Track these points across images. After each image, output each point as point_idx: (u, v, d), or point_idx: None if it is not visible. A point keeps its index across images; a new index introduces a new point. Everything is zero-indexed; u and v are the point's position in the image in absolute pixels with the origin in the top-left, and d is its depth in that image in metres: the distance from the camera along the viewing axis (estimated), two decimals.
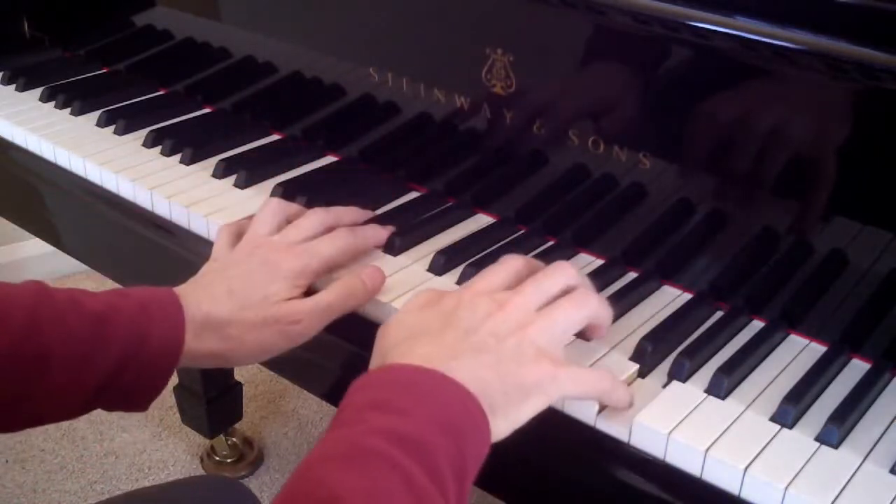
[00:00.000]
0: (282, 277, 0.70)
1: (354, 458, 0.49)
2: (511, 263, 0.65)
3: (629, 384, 0.65)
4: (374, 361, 0.60)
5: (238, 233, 0.77)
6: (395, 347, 0.58)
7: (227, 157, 0.94)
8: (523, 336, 0.58)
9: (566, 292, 0.63)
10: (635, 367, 0.66)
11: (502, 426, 0.56)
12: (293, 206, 0.79)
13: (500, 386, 0.56)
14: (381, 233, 0.80)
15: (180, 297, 0.68)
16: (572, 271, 0.64)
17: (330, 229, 0.76)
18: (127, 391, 0.66)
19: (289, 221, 0.77)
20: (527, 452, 0.67)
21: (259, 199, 0.86)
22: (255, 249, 0.73)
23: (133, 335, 0.64)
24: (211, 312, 0.68)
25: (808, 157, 0.67)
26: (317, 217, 0.76)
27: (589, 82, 0.77)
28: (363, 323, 0.74)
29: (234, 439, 1.57)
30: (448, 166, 0.89)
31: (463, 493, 0.51)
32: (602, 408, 0.63)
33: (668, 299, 0.75)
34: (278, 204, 0.78)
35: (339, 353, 0.75)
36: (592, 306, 0.63)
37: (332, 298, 0.70)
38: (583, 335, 0.68)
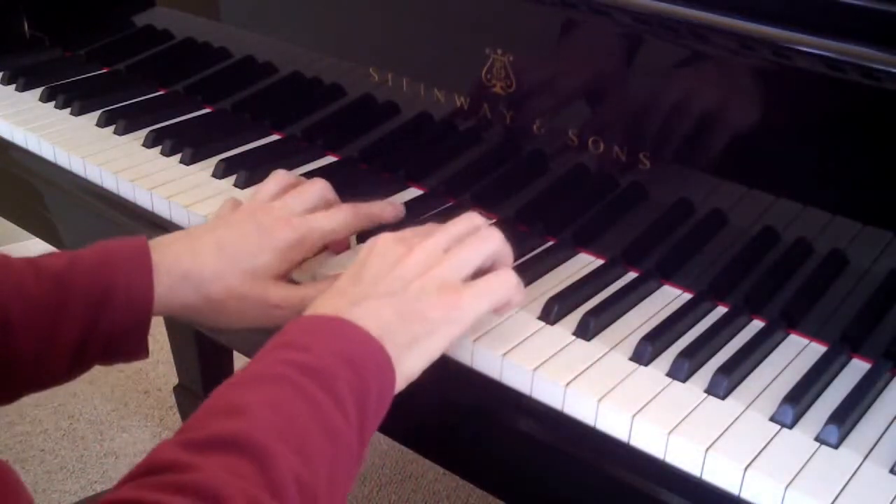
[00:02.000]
0: (273, 247, 0.70)
1: (258, 380, 0.54)
2: (429, 224, 0.68)
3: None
4: None
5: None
6: (311, 305, 0.62)
7: (227, 157, 0.94)
8: (428, 276, 0.62)
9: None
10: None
11: (414, 363, 0.60)
12: (299, 178, 0.79)
13: (403, 325, 0.59)
14: (387, 210, 0.79)
15: (154, 248, 0.67)
16: (479, 218, 0.68)
17: (331, 203, 0.76)
18: (109, 343, 0.66)
19: None
20: (525, 452, 0.67)
21: None
22: (253, 213, 0.72)
23: (96, 287, 0.64)
24: (192, 268, 0.68)
25: (807, 157, 0.67)
26: (320, 186, 0.76)
27: (589, 82, 0.77)
28: None
29: None
30: (448, 166, 0.89)
31: (365, 423, 0.56)
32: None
33: (668, 299, 0.75)
34: (284, 174, 0.78)
35: None
36: (496, 242, 0.66)
37: (314, 294, 0.70)
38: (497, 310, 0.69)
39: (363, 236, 0.80)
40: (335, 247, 0.77)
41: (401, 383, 0.60)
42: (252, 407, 0.51)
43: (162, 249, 0.68)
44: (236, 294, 0.69)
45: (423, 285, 0.61)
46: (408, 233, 0.67)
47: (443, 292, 0.62)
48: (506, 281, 0.65)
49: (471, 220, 0.68)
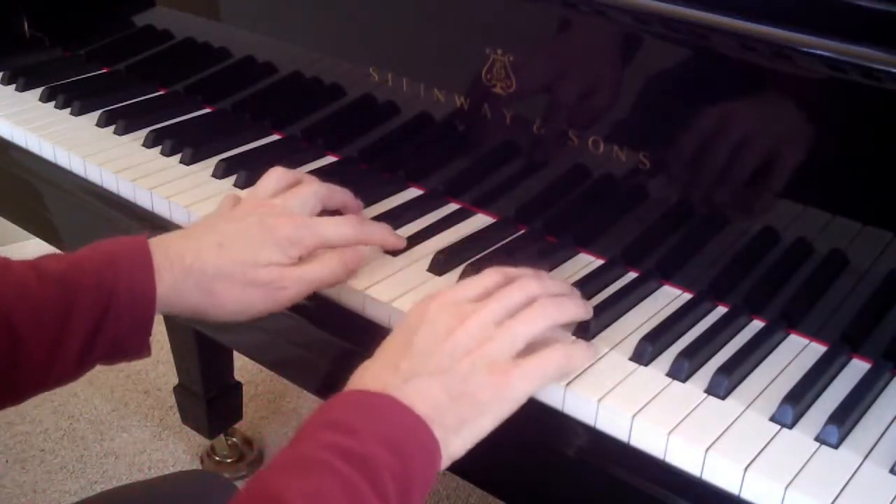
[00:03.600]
0: (274, 242, 0.69)
1: (300, 467, 0.53)
2: (487, 277, 0.66)
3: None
4: (345, 388, 0.61)
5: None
6: (355, 374, 0.61)
7: (227, 157, 0.94)
8: (479, 354, 0.60)
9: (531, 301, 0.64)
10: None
11: (460, 443, 0.59)
12: (298, 174, 0.79)
13: (452, 406, 0.58)
14: (390, 240, 0.78)
15: (156, 247, 0.67)
16: (535, 284, 0.65)
17: (330, 210, 0.77)
18: (113, 344, 0.66)
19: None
20: (526, 452, 0.67)
21: None
22: (254, 209, 0.72)
23: (100, 290, 0.64)
24: (194, 265, 0.67)
25: (807, 157, 0.67)
26: (315, 187, 0.76)
27: (589, 82, 0.76)
28: (362, 322, 0.74)
29: (234, 439, 1.57)
30: (448, 166, 0.89)
31: None
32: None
33: (668, 299, 0.75)
34: (282, 171, 0.77)
35: (339, 352, 0.75)
36: (552, 316, 0.64)
37: (318, 273, 0.71)
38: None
39: None
40: (388, 246, 0.78)
41: (446, 462, 0.58)
42: (292, 497, 0.51)
43: (163, 248, 0.68)
44: (240, 285, 0.68)
45: (474, 363, 0.59)
46: (463, 292, 0.64)
47: (493, 372, 0.59)
48: (557, 358, 0.62)
49: (528, 287, 0.65)
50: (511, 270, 0.67)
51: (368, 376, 0.60)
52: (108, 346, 0.65)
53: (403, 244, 0.79)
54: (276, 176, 0.76)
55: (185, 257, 0.67)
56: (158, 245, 0.68)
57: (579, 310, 0.67)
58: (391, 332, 0.64)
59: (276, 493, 0.51)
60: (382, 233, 0.78)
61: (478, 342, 0.60)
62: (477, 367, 0.59)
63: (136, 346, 0.67)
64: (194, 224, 0.73)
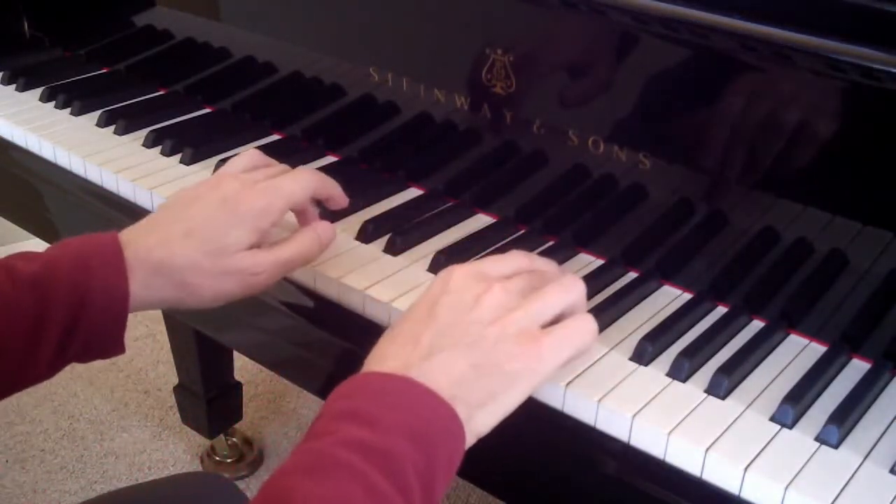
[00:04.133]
0: (241, 220, 0.68)
1: (318, 468, 0.50)
2: (512, 256, 0.65)
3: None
4: (364, 366, 0.59)
5: None
6: (375, 350, 0.59)
7: (228, 158, 0.94)
8: (508, 321, 0.57)
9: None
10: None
11: (487, 419, 0.56)
12: (272, 160, 0.78)
13: (479, 381, 0.56)
14: (338, 191, 0.77)
15: (127, 244, 0.67)
16: (556, 268, 0.65)
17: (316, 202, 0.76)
18: (86, 343, 0.65)
19: None
20: (526, 453, 0.67)
21: None
22: (219, 184, 0.71)
23: (74, 293, 0.64)
24: (163, 259, 0.67)
25: (807, 157, 0.67)
26: (284, 166, 0.76)
27: (589, 82, 0.76)
28: (362, 322, 0.74)
29: (234, 439, 1.57)
30: (448, 166, 0.89)
31: (432, 497, 0.52)
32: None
33: (668, 299, 0.75)
34: (258, 153, 0.77)
35: (338, 352, 0.75)
36: (578, 292, 0.62)
37: (291, 253, 0.71)
38: None
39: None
40: (308, 219, 0.75)
41: (471, 441, 0.56)
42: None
43: (134, 245, 0.67)
44: (212, 275, 0.68)
45: (502, 332, 0.57)
46: (488, 265, 0.62)
47: (522, 341, 0.57)
48: (585, 327, 0.60)
49: (551, 267, 0.65)
50: (533, 255, 0.67)
51: (390, 354, 0.57)
52: (81, 346, 0.65)
53: (346, 203, 0.78)
54: (248, 155, 0.76)
55: (153, 252, 0.67)
56: (129, 242, 0.67)
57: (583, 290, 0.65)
58: (413, 303, 0.61)
59: (290, 497, 0.49)
60: (337, 186, 0.77)
61: (506, 310, 0.58)
62: (505, 336, 0.57)
63: (110, 345, 0.67)
64: (162, 208, 0.72)
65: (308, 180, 0.73)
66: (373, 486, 0.49)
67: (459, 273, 0.61)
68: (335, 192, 0.76)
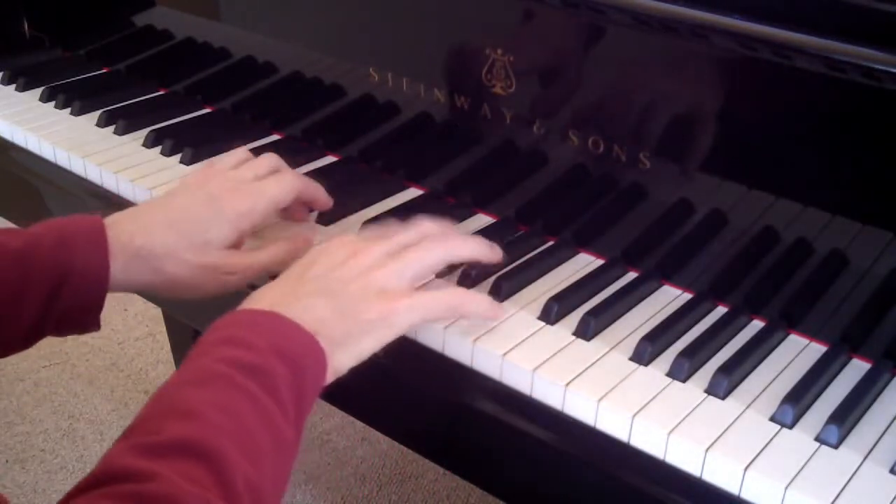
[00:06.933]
0: (225, 220, 0.71)
1: (203, 379, 0.55)
2: (388, 227, 0.69)
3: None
4: (239, 307, 0.63)
5: None
6: (251, 296, 0.63)
7: None
8: (368, 278, 0.63)
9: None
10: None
11: (345, 359, 0.62)
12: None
13: (339, 323, 0.61)
14: (322, 193, 0.80)
15: (110, 226, 0.69)
16: (430, 225, 0.69)
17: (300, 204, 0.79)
18: (64, 318, 0.67)
19: None
20: (527, 453, 0.67)
21: None
22: (205, 180, 0.74)
23: (55, 269, 0.66)
24: (144, 246, 0.69)
25: (807, 157, 0.67)
26: (270, 157, 0.78)
27: (589, 82, 0.76)
28: None
29: None
30: (448, 166, 0.89)
31: (301, 415, 0.58)
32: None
33: (668, 299, 0.75)
34: (245, 152, 0.79)
35: None
36: (443, 247, 0.67)
37: (268, 260, 0.73)
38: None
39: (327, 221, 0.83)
40: (295, 215, 0.80)
41: (330, 376, 0.61)
42: (202, 408, 0.52)
43: (117, 228, 0.69)
44: (189, 267, 0.70)
45: (364, 287, 0.63)
46: (363, 234, 0.68)
47: (380, 298, 0.63)
48: (446, 300, 0.66)
49: (423, 228, 0.69)
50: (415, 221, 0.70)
51: (262, 297, 0.63)
52: (58, 320, 0.67)
53: (330, 204, 0.81)
54: (236, 153, 0.78)
55: (135, 238, 0.69)
56: (112, 225, 0.69)
57: (480, 247, 0.70)
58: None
59: (188, 408, 0.52)
60: (321, 188, 0.80)
61: (369, 269, 0.64)
62: (367, 292, 0.63)
63: (87, 322, 0.69)
64: (147, 201, 0.75)
65: (291, 184, 0.76)
66: (254, 397, 0.54)
67: (337, 240, 0.67)
68: (319, 195, 0.80)
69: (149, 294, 0.73)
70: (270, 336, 0.58)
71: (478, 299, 0.68)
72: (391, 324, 0.63)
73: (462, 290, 0.69)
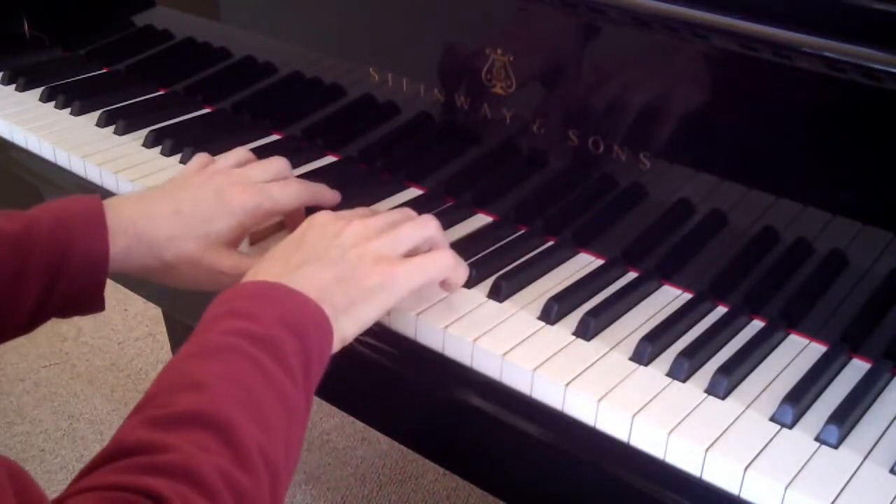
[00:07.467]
0: (229, 213, 0.72)
1: (210, 352, 0.55)
2: (371, 208, 0.71)
3: None
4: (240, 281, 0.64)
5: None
6: (251, 271, 0.65)
7: None
8: (366, 247, 0.65)
9: None
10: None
11: (349, 326, 0.63)
12: (258, 159, 0.80)
13: (341, 290, 0.62)
14: (328, 194, 0.81)
15: (112, 208, 0.69)
16: (412, 212, 0.71)
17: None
18: (66, 300, 0.68)
19: None
20: (527, 453, 0.67)
21: None
22: (213, 177, 0.75)
23: (54, 251, 0.66)
24: (146, 231, 0.70)
25: (807, 157, 0.67)
26: (279, 161, 0.79)
27: (588, 82, 0.76)
28: None
29: None
30: (448, 166, 0.89)
31: (310, 383, 0.58)
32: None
33: (668, 299, 0.75)
34: (246, 152, 0.80)
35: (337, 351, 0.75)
36: (431, 228, 0.69)
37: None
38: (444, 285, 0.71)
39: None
40: (293, 225, 0.79)
41: (336, 345, 0.62)
42: (211, 380, 0.53)
43: (117, 211, 0.69)
44: (189, 259, 0.71)
45: (361, 254, 0.64)
46: (345, 212, 0.69)
47: (379, 263, 0.64)
48: (440, 260, 0.68)
49: (405, 211, 0.71)
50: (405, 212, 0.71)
51: (262, 270, 0.64)
52: (60, 302, 0.67)
53: (339, 198, 0.81)
54: (237, 153, 0.79)
55: (137, 222, 0.70)
56: (112, 207, 0.70)
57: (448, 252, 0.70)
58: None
59: (196, 380, 0.53)
60: (322, 187, 0.80)
61: (364, 238, 0.65)
62: (365, 258, 0.64)
63: (89, 303, 0.69)
64: (153, 188, 0.75)
65: (297, 192, 0.77)
66: (263, 366, 0.55)
67: (322, 214, 0.68)
68: (324, 197, 0.80)
69: (145, 277, 0.73)
70: (275, 306, 0.59)
71: (464, 267, 0.70)
72: (392, 288, 0.64)
73: (452, 254, 0.69)
